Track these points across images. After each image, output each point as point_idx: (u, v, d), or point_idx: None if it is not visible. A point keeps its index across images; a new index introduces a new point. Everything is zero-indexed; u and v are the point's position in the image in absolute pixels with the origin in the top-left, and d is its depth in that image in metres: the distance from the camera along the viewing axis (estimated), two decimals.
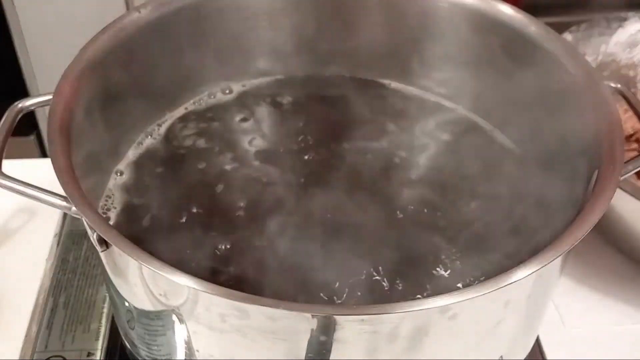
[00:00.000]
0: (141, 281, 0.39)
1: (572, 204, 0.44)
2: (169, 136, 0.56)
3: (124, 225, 0.49)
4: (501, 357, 0.43)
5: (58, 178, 0.40)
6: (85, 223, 0.41)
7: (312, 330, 0.35)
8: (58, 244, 0.60)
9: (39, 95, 0.47)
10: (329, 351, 0.37)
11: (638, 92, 0.68)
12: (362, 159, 0.54)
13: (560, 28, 0.57)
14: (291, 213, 0.50)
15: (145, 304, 0.41)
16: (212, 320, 0.38)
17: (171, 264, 0.36)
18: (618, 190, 0.42)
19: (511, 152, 0.55)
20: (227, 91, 0.59)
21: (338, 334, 0.36)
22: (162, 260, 0.36)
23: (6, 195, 0.43)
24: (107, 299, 0.56)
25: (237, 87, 0.60)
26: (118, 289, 0.43)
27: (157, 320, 0.42)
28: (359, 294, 0.44)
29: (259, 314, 0.36)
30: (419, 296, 0.44)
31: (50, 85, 0.45)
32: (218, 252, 0.47)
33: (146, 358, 0.46)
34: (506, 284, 0.35)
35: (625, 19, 0.68)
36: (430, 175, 0.53)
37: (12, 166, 0.45)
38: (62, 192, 0.40)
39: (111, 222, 0.49)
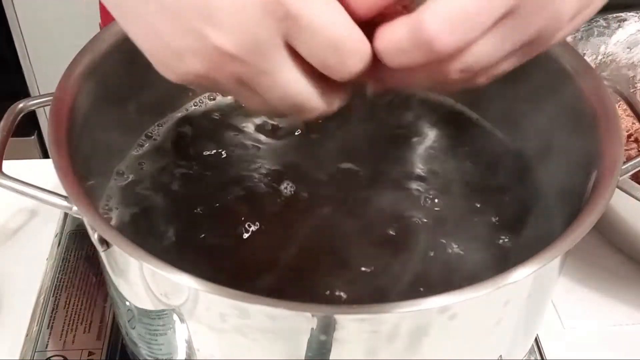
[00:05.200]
0: (142, 281, 0.40)
1: (571, 204, 0.44)
2: (169, 137, 0.56)
3: (125, 225, 0.49)
4: (500, 356, 0.43)
5: (59, 178, 0.40)
6: (86, 223, 0.41)
7: (312, 329, 0.36)
8: (59, 244, 0.61)
9: (40, 95, 0.47)
10: (329, 351, 0.37)
11: (637, 92, 0.68)
12: (361, 155, 0.54)
13: None
14: (298, 215, 0.50)
15: (146, 304, 0.41)
16: (212, 320, 0.38)
17: (172, 264, 0.36)
18: (617, 190, 0.43)
19: (510, 151, 0.55)
20: None
21: (338, 334, 0.36)
22: (163, 260, 0.36)
23: (7, 195, 0.43)
24: (108, 298, 0.56)
25: None
26: (119, 288, 0.44)
27: (158, 320, 0.42)
28: None
29: (259, 314, 0.36)
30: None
31: (50, 85, 0.45)
32: (219, 252, 0.47)
33: (147, 357, 0.46)
34: (505, 283, 0.35)
35: (624, 19, 0.68)
36: (427, 171, 0.54)
37: (13, 166, 0.45)
38: (62, 192, 0.40)
39: (112, 222, 0.49)
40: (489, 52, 0.34)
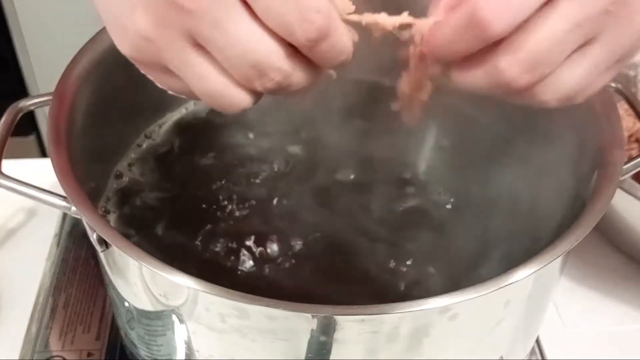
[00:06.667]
0: (141, 281, 0.39)
1: (573, 204, 0.44)
2: (169, 136, 0.56)
3: (124, 225, 0.49)
4: (501, 357, 0.43)
5: (58, 178, 0.40)
6: (85, 223, 0.41)
7: (312, 330, 0.36)
8: (58, 244, 0.60)
9: (39, 95, 0.47)
10: (329, 351, 0.37)
11: (638, 91, 0.68)
12: (361, 152, 0.54)
13: None
14: (298, 213, 0.50)
15: (145, 304, 0.41)
16: (212, 320, 0.38)
17: (171, 264, 0.36)
18: (618, 190, 0.43)
19: (510, 151, 0.55)
20: None
21: (338, 334, 0.36)
22: (162, 260, 0.36)
23: (6, 196, 0.43)
24: (107, 299, 0.56)
25: None
26: (118, 289, 0.44)
27: (157, 321, 0.42)
28: None
29: (259, 314, 0.36)
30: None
31: (50, 85, 0.45)
32: (219, 252, 0.47)
33: (146, 358, 0.46)
34: (506, 284, 0.35)
35: None
36: (424, 171, 0.54)
37: (12, 166, 0.45)
38: (61, 192, 0.40)
39: (111, 223, 0.49)
40: (581, 79, 0.33)
